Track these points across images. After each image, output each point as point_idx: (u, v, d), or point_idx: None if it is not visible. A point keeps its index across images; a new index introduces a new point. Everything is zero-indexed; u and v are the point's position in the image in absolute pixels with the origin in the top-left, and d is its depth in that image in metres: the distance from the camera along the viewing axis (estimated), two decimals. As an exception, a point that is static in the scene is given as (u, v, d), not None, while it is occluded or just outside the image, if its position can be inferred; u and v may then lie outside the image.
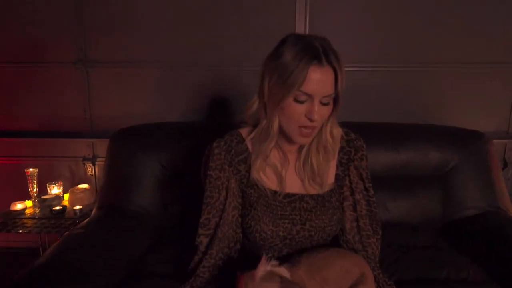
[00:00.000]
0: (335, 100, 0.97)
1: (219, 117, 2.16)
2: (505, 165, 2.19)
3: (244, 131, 1.07)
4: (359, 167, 1.09)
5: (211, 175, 1.02)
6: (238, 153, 1.04)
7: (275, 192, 1.02)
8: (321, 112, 0.93)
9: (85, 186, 2.01)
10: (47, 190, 2.04)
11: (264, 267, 0.80)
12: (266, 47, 1.95)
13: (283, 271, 0.83)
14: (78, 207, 1.83)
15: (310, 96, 0.91)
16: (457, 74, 2.12)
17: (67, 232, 1.68)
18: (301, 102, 0.92)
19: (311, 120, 0.92)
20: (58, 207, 1.81)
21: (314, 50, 0.91)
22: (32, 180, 1.95)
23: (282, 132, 1.00)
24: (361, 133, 1.67)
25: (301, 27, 2.07)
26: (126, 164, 1.75)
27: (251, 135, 1.04)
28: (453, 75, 2.12)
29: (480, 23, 2.05)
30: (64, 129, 2.25)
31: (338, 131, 1.05)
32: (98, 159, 2.26)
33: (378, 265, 1.09)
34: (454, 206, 1.66)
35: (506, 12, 2.04)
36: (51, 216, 1.81)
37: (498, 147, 2.14)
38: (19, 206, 1.84)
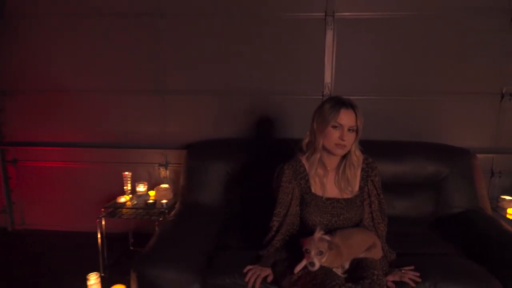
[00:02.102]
0: (357, 131, 1.58)
1: (264, 134, 2.76)
2: (492, 174, 2.74)
3: (301, 157, 1.69)
4: (374, 180, 1.70)
5: (283, 185, 1.65)
6: (300, 173, 1.66)
7: (321, 197, 1.64)
8: (348, 136, 1.55)
9: (166, 186, 2.66)
10: (135, 188, 2.69)
11: (318, 233, 1.43)
12: (301, 81, 2.69)
13: (327, 237, 1.45)
14: (164, 201, 2.48)
15: (341, 126, 1.55)
16: (451, 102, 2.69)
17: (162, 219, 2.34)
18: (336, 129, 1.55)
19: (342, 140, 1.54)
20: (151, 201, 2.48)
21: (343, 102, 1.58)
22: (127, 180, 2.62)
23: (324, 149, 1.61)
24: (373, 149, 2.26)
25: (329, 67, 2.69)
26: (200, 170, 2.38)
27: (306, 155, 1.67)
28: (448, 103, 2.69)
29: (468, 61, 2.62)
30: (144, 142, 2.92)
31: (359, 153, 1.66)
32: (169, 165, 2.92)
33: (384, 240, 1.69)
34: (444, 206, 2.24)
35: (489, 51, 2.60)
36: (145, 207, 2.47)
37: (486, 160, 2.71)
38: (122, 199, 2.51)
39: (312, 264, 1.38)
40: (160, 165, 2.92)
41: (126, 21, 2.76)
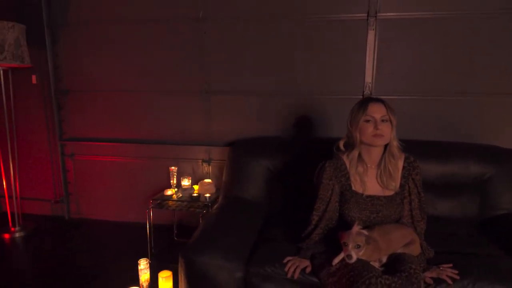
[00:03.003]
0: (391, 122, 1.63)
1: (304, 133, 2.83)
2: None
3: (342, 155, 1.75)
4: (415, 179, 1.72)
5: (323, 182, 1.71)
6: (341, 170, 1.72)
7: (362, 194, 1.69)
8: (383, 126, 1.61)
9: (209, 180, 2.79)
10: (180, 182, 2.85)
11: (356, 228, 1.48)
12: (342, 81, 2.72)
13: (365, 231, 1.50)
14: (207, 195, 2.61)
15: (373, 118, 1.61)
16: (496, 102, 2.62)
17: (206, 211, 2.47)
18: (368, 122, 1.61)
19: (377, 129, 1.59)
20: (195, 194, 2.62)
21: (370, 98, 1.69)
22: (173, 175, 2.78)
23: (363, 144, 1.66)
24: (418, 149, 2.28)
25: (370, 67, 2.70)
26: (243, 166, 2.49)
27: (346, 153, 1.73)
28: (493, 103, 2.62)
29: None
30: (189, 139, 3.08)
31: (398, 144, 1.68)
32: (212, 161, 3.05)
33: (423, 237, 1.71)
34: (489, 207, 2.20)
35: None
36: (190, 200, 2.62)
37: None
38: (169, 192, 2.68)
39: (350, 256, 1.44)
40: (204, 161, 3.06)
41: (174, 26, 2.93)
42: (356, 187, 1.71)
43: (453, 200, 2.26)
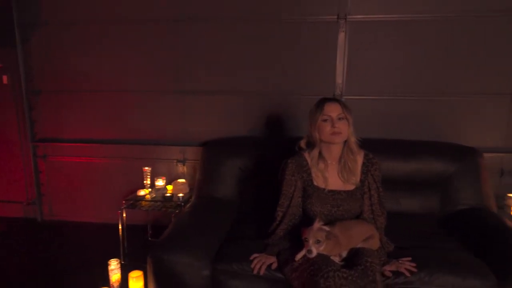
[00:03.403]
0: (347, 120, 1.71)
1: (277, 133, 2.88)
2: (502, 173, 2.77)
3: (304, 153, 1.82)
4: (374, 175, 1.80)
5: (286, 178, 1.78)
6: (302, 166, 1.79)
7: (324, 189, 1.76)
8: (340, 124, 1.69)
9: (183, 180, 2.81)
10: (154, 182, 2.86)
11: (317, 224, 1.54)
12: (314, 82, 2.80)
13: (326, 227, 1.56)
14: (180, 195, 2.63)
15: (330, 117, 1.68)
16: (462, 102, 2.74)
17: (178, 211, 2.50)
18: (325, 121, 1.69)
19: (334, 127, 1.66)
20: (168, 194, 2.64)
21: (327, 98, 1.77)
22: (146, 175, 2.79)
23: (323, 142, 1.73)
24: (385, 148, 2.36)
25: (340, 68, 2.78)
26: (215, 166, 2.52)
27: (307, 151, 1.80)
28: (459, 103, 2.74)
29: (479, 63, 2.67)
30: (165, 139, 3.09)
31: (355, 139, 1.75)
32: (187, 161, 3.07)
33: (383, 232, 1.79)
34: (450, 203, 2.30)
35: (500, 53, 2.64)
36: (163, 200, 2.64)
37: (496, 159, 2.74)
38: (142, 192, 2.69)
39: (310, 251, 1.50)
40: (179, 161, 3.08)
41: (149, 27, 2.94)
42: (318, 182, 1.77)
43: (417, 196, 2.35)
